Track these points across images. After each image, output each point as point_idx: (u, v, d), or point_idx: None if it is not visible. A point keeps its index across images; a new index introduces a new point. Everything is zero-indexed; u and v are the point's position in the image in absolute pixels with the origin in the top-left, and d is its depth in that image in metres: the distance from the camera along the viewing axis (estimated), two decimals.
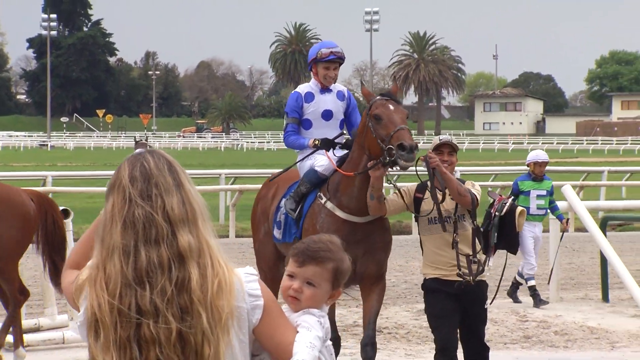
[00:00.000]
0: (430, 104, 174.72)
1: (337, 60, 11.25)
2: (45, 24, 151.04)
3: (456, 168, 37.47)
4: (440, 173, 9.73)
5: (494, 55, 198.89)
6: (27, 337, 15.04)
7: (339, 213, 10.37)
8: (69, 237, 15.98)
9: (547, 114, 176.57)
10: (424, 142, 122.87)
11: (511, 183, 35.69)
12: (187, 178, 4.38)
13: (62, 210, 16.22)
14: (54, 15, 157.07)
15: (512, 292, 17.79)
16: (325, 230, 10.22)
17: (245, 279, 4.40)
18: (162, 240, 4.17)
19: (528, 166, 18.33)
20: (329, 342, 4.63)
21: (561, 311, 16.83)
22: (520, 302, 17.52)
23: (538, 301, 17.33)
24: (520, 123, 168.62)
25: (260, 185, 34.85)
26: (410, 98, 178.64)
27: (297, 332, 4.46)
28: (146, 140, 30.34)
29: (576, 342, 15.04)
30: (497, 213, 16.51)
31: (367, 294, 10.78)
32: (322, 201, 10.58)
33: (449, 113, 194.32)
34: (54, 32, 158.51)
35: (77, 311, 4.28)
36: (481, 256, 10.16)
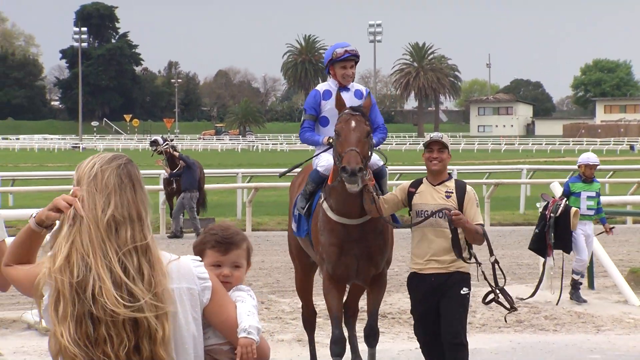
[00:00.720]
0: (429, 109, 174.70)
1: (353, 58, 10.79)
2: (77, 36, 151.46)
3: (454, 167, 37.18)
4: (462, 227, 9.50)
5: (487, 63, 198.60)
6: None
7: (330, 214, 10.11)
8: None
9: (536, 117, 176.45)
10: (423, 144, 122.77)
11: (504, 180, 36.03)
12: (140, 182, 4.49)
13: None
14: (84, 29, 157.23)
15: (574, 293, 17.06)
16: (323, 230, 10.23)
17: (193, 265, 4.56)
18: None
19: (579, 167, 17.75)
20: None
21: (550, 297, 16.79)
22: (585, 301, 16.89)
23: (577, 296, 16.97)
24: (512, 126, 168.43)
25: (273, 184, 34.82)
26: (411, 103, 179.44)
27: (234, 304, 4.74)
28: (163, 140, 29.98)
29: (564, 326, 15.03)
30: (552, 214, 16.34)
31: (369, 289, 10.67)
32: (321, 201, 10.37)
33: (446, 117, 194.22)
34: (84, 44, 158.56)
35: (37, 298, 4.37)
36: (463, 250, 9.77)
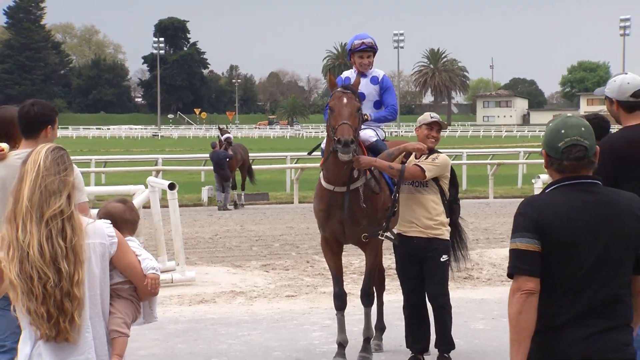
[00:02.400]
0: (442, 103, 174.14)
1: (369, 49, 10.28)
2: (156, 45, 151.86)
3: (464, 150, 36.89)
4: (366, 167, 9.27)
5: (490, 65, 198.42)
6: None
7: (323, 182, 9.67)
8: (174, 206, 16.02)
9: (531, 109, 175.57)
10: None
11: (505, 161, 36.03)
12: (70, 164, 5.05)
13: (169, 184, 16.23)
14: (162, 39, 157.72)
15: None
16: (315, 196, 9.92)
17: (105, 226, 5.08)
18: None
19: None
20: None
21: None
22: None
23: None
24: (511, 116, 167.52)
25: (316, 164, 34.99)
26: (428, 98, 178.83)
27: (135, 253, 5.30)
28: (226, 128, 30.25)
29: None
30: None
31: (364, 252, 10.18)
32: (320, 172, 9.99)
33: (457, 109, 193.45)
34: (162, 51, 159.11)
35: None
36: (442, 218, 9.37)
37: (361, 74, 10.16)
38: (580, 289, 4.68)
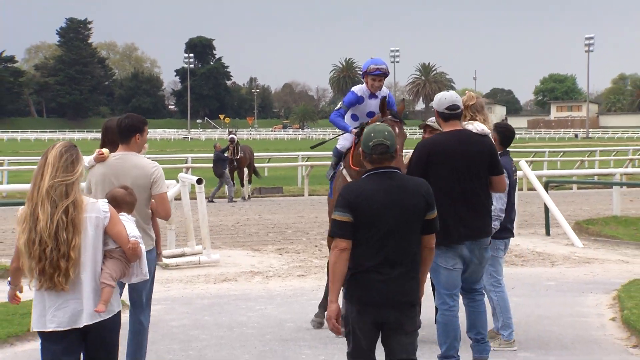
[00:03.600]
0: (432, 109, 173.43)
1: (382, 75, 9.99)
2: (186, 60, 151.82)
3: None
4: None
5: (474, 77, 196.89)
6: (175, 260, 15.13)
7: (348, 179, 9.45)
8: (202, 198, 16.04)
9: (509, 114, 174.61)
10: None
11: None
12: (79, 161, 5.61)
13: (197, 179, 16.23)
14: (191, 55, 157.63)
15: None
16: (338, 188, 9.62)
17: (101, 204, 5.64)
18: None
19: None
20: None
21: (519, 241, 16.71)
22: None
23: None
24: (492, 121, 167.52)
25: (324, 163, 34.92)
26: (420, 105, 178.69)
27: (124, 225, 5.73)
28: (234, 132, 30.26)
29: (529, 262, 14.94)
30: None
31: None
32: (341, 169, 9.85)
33: None
34: (191, 65, 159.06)
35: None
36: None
37: (372, 94, 9.90)
38: (381, 246, 5.78)
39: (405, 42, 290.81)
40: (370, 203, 5.83)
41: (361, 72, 10.32)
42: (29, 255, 5.43)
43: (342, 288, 5.88)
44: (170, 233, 15.73)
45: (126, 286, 6.83)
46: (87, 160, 7.30)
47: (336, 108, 10.28)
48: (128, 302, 7.73)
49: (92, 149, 8.13)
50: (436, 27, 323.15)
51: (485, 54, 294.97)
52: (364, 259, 5.81)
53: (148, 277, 6.00)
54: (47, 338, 5.55)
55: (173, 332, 9.92)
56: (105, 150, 7.63)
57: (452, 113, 7.79)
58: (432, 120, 9.34)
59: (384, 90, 10.08)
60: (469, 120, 8.40)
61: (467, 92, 8.55)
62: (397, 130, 8.71)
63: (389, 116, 9.10)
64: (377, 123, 6.21)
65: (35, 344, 9.37)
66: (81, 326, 5.50)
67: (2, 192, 26.19)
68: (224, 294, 12.14)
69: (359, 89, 10.08)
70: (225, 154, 28.09)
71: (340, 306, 5.89)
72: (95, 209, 5.58)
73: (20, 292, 5.82)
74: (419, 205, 5.90)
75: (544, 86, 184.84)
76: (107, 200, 5.81)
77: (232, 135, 28.94)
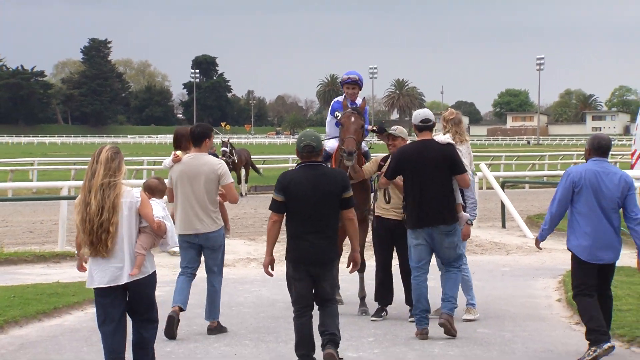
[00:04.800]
0: (405, 119, 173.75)
1: (353, 83, 9.91)
2: (193, 75, 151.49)
3: None
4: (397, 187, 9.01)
5: (441, 91, 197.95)
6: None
7: None
8: None
9: (471, 124, 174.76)
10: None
11: None
12: (121, 157, 6.28)
13: None
14: (197, 70, 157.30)
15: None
16: None
17: (135, 191, 6.30)
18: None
19: None
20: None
21: (479, 233, 16.75)
22: None
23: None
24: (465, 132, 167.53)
25: None
26: (394, 115, 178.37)
27: (152, 207, 6.38)
28: (228, 140, 28.86)
29: (487, 250, 14.99)
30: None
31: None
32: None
33: None
34: (197, 80, 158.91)
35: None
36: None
37: (352, 101, 9.78)
38: (306, 219, 6.90)
39: (382, 60, 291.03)
40: (298, 187, 6.93)
41: (340, 84, 10.31)
42: (83, 231, 6.17)
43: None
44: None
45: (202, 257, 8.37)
46: (167, 162, 8.56)
47: (327, 120, 10.29)
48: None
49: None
50: (409, 48, 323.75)
51: (451, 71, 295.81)
52: (295, 229, 6.96)
53: (177, 246, 7.06)
54: (98, 293, 6.29)
55: None
56: (179, 153, 8.49)
57: (424, 125, 8.42)
58: (393, 129, 9.40)
59: (360, 100, 9.95)
60: (447, 131, 9.07)
61: (449, 108, 9.15)
62: (352, 119, 9.19)
63: (348, 110, 9.38)
64: (308, 129, 7.34)
65: (60, 320, 9.39)
66: (122, 283, 6.19)
67: (33, 189, 26.06)
68: (224, 277, 12.03)
69: (341, 98, 10.08)
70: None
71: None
72: (130, 195, 6.25)
73: (85, 262, 6.39)
74: (335, 188, 6.95)
75: (501, 99, 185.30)
76: (142, 189, 6.56)
77: (224, 149, 27.37)
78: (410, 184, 8.30)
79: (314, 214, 6.89)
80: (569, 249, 7.57)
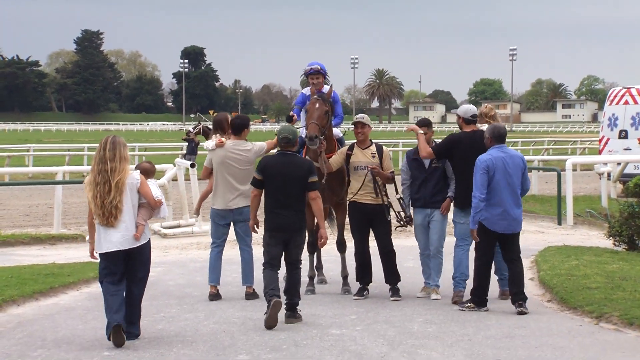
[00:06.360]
0: (385, 107, 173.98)
1: (315, 72, 9.81)
2: (182, 65, 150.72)
3: (400, 141, 36.32)
4: (380, 176, 9.19)
5: (419, 80, 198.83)
6: (172, 230, 15.04)
7: (308, 158, 9.28)
8: (194, 179, 15.95)
9: (447, 112, 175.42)
10: (382, 128, 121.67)
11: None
12: (124, 145, 7.35)
13: (190, 164, 16.15)
14: (186, 61, 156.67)
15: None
16: None
17: (135, 174, 7.38)
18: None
19: None
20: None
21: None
22: None
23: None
24: (433, 117, 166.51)
25: None
26: (374, 104, 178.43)
27: (150, 187, 7.45)
28: (193, 130, 27.38)
29: None
30: None
31: (336, 212, 9.91)
32: (304, 155, 9.57)
33: (395, 112, 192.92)
34: (186, 69, 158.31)
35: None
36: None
37: (318, 90, 9.65)
38: (278, 196, 8.09)
39: (363, 51, 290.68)
40: (272, 170, 8.13)
41: (306, 76, 10.05)
42: (94, 205, 7.19)
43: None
44: (168, 208, 15.64)
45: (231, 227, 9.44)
46: (211, 144, 9.25)
47: (292, 109, 10.11)
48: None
49: (98, 138, 8.06)
50: (389, 38, 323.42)
51: (428, 61, 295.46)
52: (270, 204, 8.14)
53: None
54: (104, 257, 7.29)
55: (170, 290, 9.90)
56: (223, 139, 9.25)
57: (472, 119, 9.21)
58: (360, 117, 9.30)
59: (327, 88, 9.79)
60: (485, 123, 9.49)
61: (486, 106, 9.74)
62: (317, 105, 9.25)
63: (315, 96, 9.41)
64: (285, 124, 8.68)
65: (56, 299, 9.35)
66: (125, 248, 7.22)
67: (29, 174, 25.91)
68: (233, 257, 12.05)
69: (306, 90, 10.02)
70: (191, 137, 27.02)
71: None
72: (131, 177, 7.30)
73: (95, 251, 7.36)
74: (302, 173, 8.08)
75: (476, 88, 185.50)
76: (139, 171, 7.49)
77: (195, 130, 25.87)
78: (460, 169, 8.93)
79: (284, 192, 8.05)
80: (480, 221, 8.42)
